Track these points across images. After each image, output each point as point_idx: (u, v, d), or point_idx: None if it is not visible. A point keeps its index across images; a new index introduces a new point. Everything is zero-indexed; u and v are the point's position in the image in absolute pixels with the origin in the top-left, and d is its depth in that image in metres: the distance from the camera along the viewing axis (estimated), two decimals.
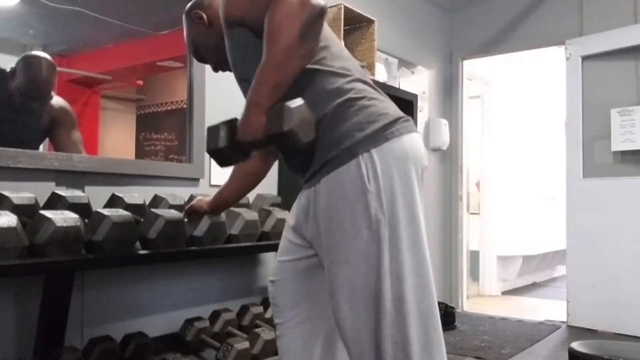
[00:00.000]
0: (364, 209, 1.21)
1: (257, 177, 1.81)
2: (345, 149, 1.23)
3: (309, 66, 1.27)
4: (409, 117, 1.34)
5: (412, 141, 1.30)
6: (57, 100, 2.24)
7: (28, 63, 2.16)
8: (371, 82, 1.39)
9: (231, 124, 1.26)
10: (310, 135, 1.21)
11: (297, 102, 1.19)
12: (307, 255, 1.43)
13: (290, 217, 1.49)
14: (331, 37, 1.38)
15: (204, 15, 1.53)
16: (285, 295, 1.47)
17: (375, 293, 1.21)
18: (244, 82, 1.39)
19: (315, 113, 1.26)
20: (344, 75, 1.31)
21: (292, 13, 1.15)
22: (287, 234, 1.49)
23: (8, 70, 2.13)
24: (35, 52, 2.25)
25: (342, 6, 2.92)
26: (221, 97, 2.57)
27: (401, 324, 1.21)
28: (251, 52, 1.31)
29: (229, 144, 1.25)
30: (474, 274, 5.29)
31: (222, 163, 1.32)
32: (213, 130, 1.27)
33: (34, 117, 2.20)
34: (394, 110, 1.33)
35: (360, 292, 1.22)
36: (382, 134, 1.25)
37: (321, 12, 1.19)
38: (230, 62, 1.40)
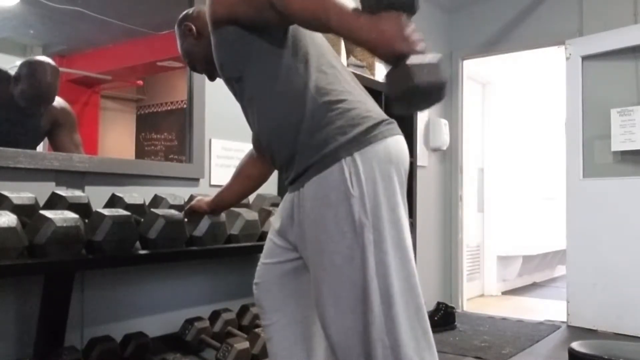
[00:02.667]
0: (348, 213, 1.21)
1: (259, 181, 1.81)
2: (328, 153, 1.23)
3: (289, 65, 1.28)
4: (393, 120, 1.33)
5: (396, 144, 1.29)
6: (58, 102, 2.23)
7: (32, 69, 2.15)
8: (353, 79, 1.38)
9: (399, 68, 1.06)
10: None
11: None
12: (291, 258, 1.43)
13: (275, 219, 1.49)
14: (312, 34, 1.36)
15: (193, 27, 1.58)
16: (270, 297, 1.47)
17: (362, 296, 1.20)
18: (231, 81, 1.40)
19: (295, 113, 1.26)
20: (325, 73, 1.31)
21: None
22: (271, 237, 1.49)
23: (12, 74, 2.12)
24: (39, 57, 2.24)
25: None
26: (221, 97, 2.57)
27: (390, 327, 1.20)
28: (239, 48, 1.31)
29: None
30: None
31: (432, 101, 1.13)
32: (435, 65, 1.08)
33: (34, 118, 2.20)
34: (377, 112, 1.32)
35: (347, 296, 1.22)
36: (365, 137, 1.24)
37: None
38: (217, 63, 1.40)
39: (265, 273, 1.48)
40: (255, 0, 1.23)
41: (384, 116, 1.32)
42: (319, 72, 1.30)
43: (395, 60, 1.07)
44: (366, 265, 1.20)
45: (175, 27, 1.63)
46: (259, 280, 1.50)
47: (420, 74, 1.05)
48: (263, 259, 1.50)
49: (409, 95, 1.07)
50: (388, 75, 1.10)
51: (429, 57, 1.08)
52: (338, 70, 1.35)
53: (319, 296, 1.27)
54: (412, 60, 1.06)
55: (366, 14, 1.07)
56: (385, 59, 1.09)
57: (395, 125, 1.32)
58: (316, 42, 1.36)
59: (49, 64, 2.17)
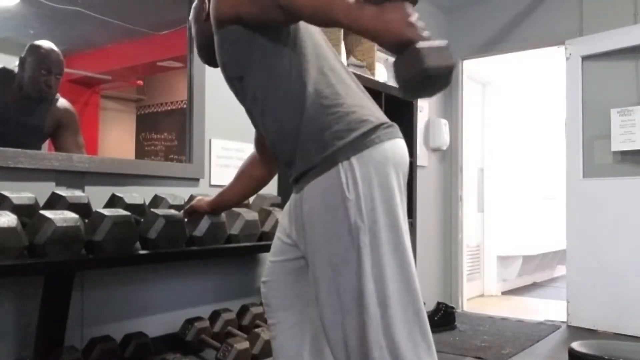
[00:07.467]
0: (344, 217, 1.22)
1: (261, 182, 1.81)
2: (326, 157, 1.25)
3: (290, 66, 1.28)
4: (393, 123, 1.33)
5: (394, 147, 1.29)
6: (62, 103, 2.24)
7: (37, 46, 2.16)
8: (354, 81, 1.38)
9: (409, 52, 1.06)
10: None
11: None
12: (297, 256, 1.43)
13: (282, 218, 1.50)
14: (313, 33, 1.36)
15: (207, 7, 1.53)
16: (278, 296, 1.47)
17: (358, 299, 1.21)
18: (233, 81, 1.39)
19: (295, 115, 1.27)
20: (325, 76, 1.31)
21: None
22: (279, 234, 1.50)
23: (17, 60, 2.12)
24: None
25: None
26: (221, 97, 2.57)
27: (386, 329, 1.21)
28: (241, 48, 1.31)
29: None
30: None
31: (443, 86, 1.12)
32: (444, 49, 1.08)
33: (38, 117, 2.20)
34: (376, 115, 1.32)
35: (343, 298, 1.23)
36: (363, 141, 1.25)
37: None
38: (219, 62, 1.40)
39: (273, 271, 1.49)
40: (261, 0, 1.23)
41: (384, 119, 1.32)
42: (320, 74, 1.30)
43: (402, 48, 1.08)
44: (362, 268, 1.21)
45: (192, 5, 1.61)
46: (267, 278, 1.50)
47: (430, 57, 1.05)
48: (271, 256, 1.51)
49: (420, 78, 1.07)
50: (397, 62, 1.10)
51: (437, 42, 1.08)
52: (338, 72, 1.35)
53: (317, 296, 1.29)
54: (422, 44, 1.06)
55: (370, 5, 1.08)
56: (392, 47, 1.10)
57: (394, 129, 1.32)
58: (317, 43, 1.36)
59: (50, 44, 2.18)
